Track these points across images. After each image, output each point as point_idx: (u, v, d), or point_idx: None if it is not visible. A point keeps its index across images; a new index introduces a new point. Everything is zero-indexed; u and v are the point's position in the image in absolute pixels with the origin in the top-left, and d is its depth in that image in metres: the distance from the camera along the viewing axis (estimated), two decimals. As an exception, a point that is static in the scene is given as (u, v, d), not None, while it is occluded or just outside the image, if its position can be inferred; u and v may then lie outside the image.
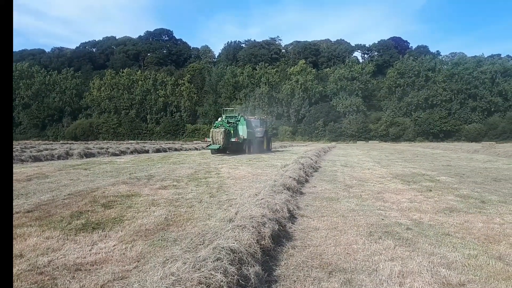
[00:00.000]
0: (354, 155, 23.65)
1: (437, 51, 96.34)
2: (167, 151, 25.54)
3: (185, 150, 27.68)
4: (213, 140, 20.64)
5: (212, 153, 21.17)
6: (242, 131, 22.14)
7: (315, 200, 7.01)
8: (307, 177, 10.14)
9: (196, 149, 30.26)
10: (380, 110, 76.81)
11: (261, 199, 5.48)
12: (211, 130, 20.95)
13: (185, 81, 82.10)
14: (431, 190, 8.22)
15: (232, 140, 21.19)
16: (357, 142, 68.67)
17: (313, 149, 25.05)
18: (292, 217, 5.53)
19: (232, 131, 21.38)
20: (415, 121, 71.29)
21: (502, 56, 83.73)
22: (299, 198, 7.12)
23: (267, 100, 78.44)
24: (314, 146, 38.55)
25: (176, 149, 27.49)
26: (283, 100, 78.21)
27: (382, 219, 5.55)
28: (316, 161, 15.09)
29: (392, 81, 76.08)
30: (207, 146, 21.27)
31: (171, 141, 59.85)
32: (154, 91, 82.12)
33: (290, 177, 8.41)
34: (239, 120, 22.35)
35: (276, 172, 9.88)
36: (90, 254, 3.91)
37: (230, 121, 22.16)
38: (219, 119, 22.66)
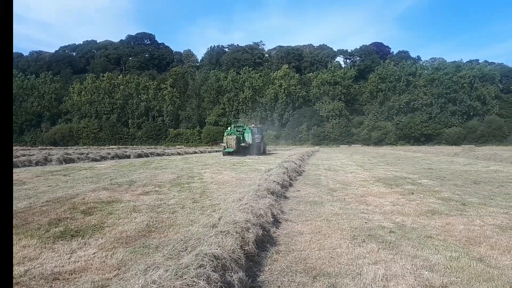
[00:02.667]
0: (337, 159, 23.86)
1: (418, 56, 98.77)
2: (149, 156, 25.26)
3: (167, 155, 27.43)
4: (227, 144, 25.68)
5: (223, 155, 25.75)
6: (248, 137, 27.34)
7: (299, 204, 7.02)
8: (291, 181, 10.15)
9: (179, 153, 30.00)
10: (362, 114, 78.03)
11: (245, 204, 5.45)
12: (225, 137, 26.26)
13: (167, 85, 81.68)
14: (413, 193, 8.33)
15: (242, 144, 26.29)
16: (340, 146, 69.47)
17: (297, 153, 25.19)
18: (276, 222, 5.51)
19: (241, 138, 26.66)
20: (397, 125, 72.64)
21: (480, 61, 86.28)
22: (283, 203, 7.12)
23: (250, 104, 78.77)
24: (298, 150, 38.76)
25: (158, 154, 27.23)
26: (267, 105, 78.63)
27: (366, 222, 5.59)
28: (300, 165, 15.14)
29: (374, 86, 77.36)
30: (224, 150, 25.84)
31: (153, 146, 59.34)
32: (136, 96, 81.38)
33: (274, 181, 8.41)
34: (245, 129, 27.77)
35: (260, 176, 9.86)
36: (69, 263, 3.80)
37: (239, 130, 27.52)
38: (229, 128, 28.09)
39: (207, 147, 61.89)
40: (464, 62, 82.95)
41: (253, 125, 31.84)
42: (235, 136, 25.76)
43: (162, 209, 6.37)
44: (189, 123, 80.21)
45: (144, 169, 14.17)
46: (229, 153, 25.54)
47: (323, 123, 76.08)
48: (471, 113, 72.85)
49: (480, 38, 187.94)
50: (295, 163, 14.51)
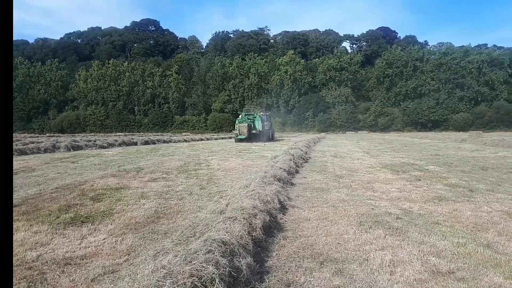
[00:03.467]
0: (343, 145, 23.81)
1: (425, 41, 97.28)
2: (155, 143, 25.38)
3: (174, 142, 27.54)
4: (239, 132, 27.35)
5: (235, 142, 27.41)
6: (258, 125, 28.71)
7: (306, 191, 7.05)
8: (298, 168, 10.17)
9: (186, 141, 30.11)
10: (369, 100, 77.25)
11: (252, 190, 5.47)
12: (236, 124, 28.05)
13: (172, 72, 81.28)
14: (420, 180, 8.32)
15: (253, 132, 27.73)
16: (347, 132, 69.10)
17: (303, 140, 25.17)
18: (283, 208, 5.55)
19: (252, 125, 28.04)
20: (404, 111, 71.95)
21: (488, 46, 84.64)
22: (290, 189, 7.15)
23: (256, 91, 78.27)
24: (304, 137, 38.69)
25: (165, 141, 27.35)
26: (273, 91, 78.09)
27: (372, 208, 5.60)
28: (306, 152, 15.14)
29: (381, 71, 76.36)
30: (236, 137, 27.51)
31: (159, 133, 59.44)
32: (142, 83, 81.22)
33: (281, 168, 8.42)
34: (255, 117, 29.09)
35: (267, 163, 9.89)
36: (80, 248, 3.87)
37: (249, 118, 28.83)
38: (240, 116, 29.59)
39: (213, 133, 62.01)
40: (472, 46, 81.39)
41: (261, 112, 33.54)
42: (246, 124, 27.45)
43: (170, 196, 6.43)
44: (195, 110, 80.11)
45: (151, 156, 14.27)
46: (241, 140, 27.34)
47: (329, 109, 75.57)
48: (479, 99, 71.87)
49: (489, 22, 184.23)
50: (301, 150, 14.50)
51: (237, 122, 28.83)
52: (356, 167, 10.79)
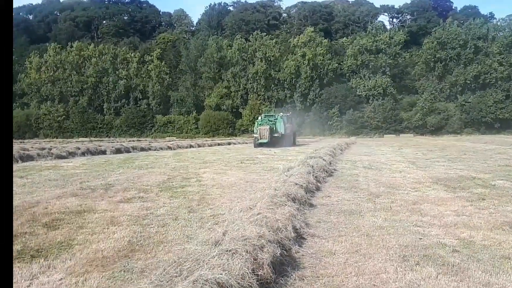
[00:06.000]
0: (380, 153, 23.76)
1: (490, 13, 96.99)
2: (130, 152, 25.48)
3: (154, 150, 27.63)
4: (260, 135, 30.60)
5: (255, 147, 30.82)
6: (280, 127, 32.24)
7: (330, 215, 7.04)
8: (319, 184, 10.16)
9: (170, 148, 30.20)
10: (415, 93, 77.00)
11: (258, 214, 5.46)
12: (256, 127, 31.62)
13: (153, 58, 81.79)
14: (484, 199, 8.26)
15: (275, 135, 31.28)
16: (385, 136, 68.89)
17: (326, 146, 25.11)
18: (299, 238, 5.54)
19: (274, 128, 31.71)
20: (462, 107, 71.55)
21: None
22: (309, 212, 7.16)
23: (263, 81, 78.28)
24: (328, 141, 38.63)
25: (143, 149, 27.45)
26: (285, 82, 78.20)
27: (420, 238, 5.56)
28: (330, 162, 15.10)
29: (431, 54, 76.16)
30: (257, 141, 30.96)
31: (135, 138, 59.69)
32: (113, 71, 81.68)
33: (296, 184, 8.40)
34: (277, 118, 32.92)
35: (277, 177, 9.87)
36: (28, 292, 3.87)
37: (270, 119, 32.84)
38: (259, 117, 34.01)
39: (207, 138, 62.15)
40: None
41: (281, 113, 37.08)
42: (268, 126, 30.86)
43: (149, 221, 6.45)
44: (183, 107, 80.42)
45: (124, 169, 14.31)
46: (260, 145, 30.53)
47: (361, 105, 75.48)
48: None
49: None
50: (323, 159, 14.46)
51: (256, 124, 32.59)
52: (397, 183, 10.74)
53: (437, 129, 70.43)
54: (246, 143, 42.77)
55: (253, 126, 32.61)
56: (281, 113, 36.89)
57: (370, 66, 77.10)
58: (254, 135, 32.29)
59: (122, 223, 6.33)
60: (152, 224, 6.27)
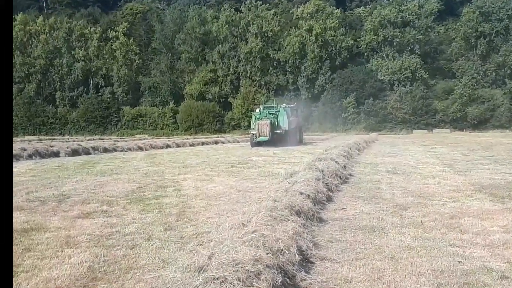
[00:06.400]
0: (409, 154, 23.76)
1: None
2: (91, 153, 25.38)
3: (121, 151, 27.53)
4: (259, 132, 31.14)
5: (252, 146, 31.81)
6: (283, 122, 32.78)
7: (345, 232, 7.03)
8: (330, 193, 10.17)
9: (141, 148, 30.11)
10: (452, 77, 76.95)
11: (253, 231, 5.45)
12: (254, 122, 32.20)
13: (119, 34, 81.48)
14: (539, 211, 8.26)
15: (277, 131, 32.02)
16: (414, 132, 68.85)
17: (339, 144, 25.05)
18: (305, 262, 5.52)
19: (276, 123, 32.33)
20: None
21: None
22: (318, 229, 7.15)
23: (259, 63, 78.03)
24: (341, 139, 38.52)
25: (106, 150, 27.34)
26: (287, 63, 78.04)
27: (459, 261, 5.55)
28: (345, 166, 15.09)
29: (472, 28, 76.15)
30: (255, 139, 31.66)
31: (97, 136, 59.50)
32: (67, 52, 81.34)
33: (302, 193, 8.39)
34: (278, 111, 33.35)
35: (278, 185, 9.85)
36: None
37: (271, 112, 33.27)
38: (257, 110, 34.61)
39: (188, 136, 61.97)
40: None
41: (284, 104, 37.98)
42: (268, 121, 31.51)
43: (114, 242, 6.42)
44: (157, 96, 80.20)
45: (83, 175, 14.25)
46: (259, 143, 31.38)
47: (383, 93, 75.41)
48: None
49: None
50: (336, 161, 14.46)
51: (254, 118, 33.20)
52: (430, 191, 10.73)
53: (480, 123, 70.34)
54: (238, 142, 42.73)
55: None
56: (284, 104, 37.32)
57: (395, 43, 76.91)
58: (252, 132, 32.79)
59: (81, 244, 6.29)
60: (118, 246, 6.23)
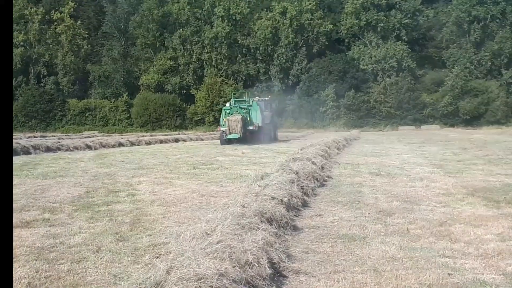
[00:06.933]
0: (394, 153, 23.99)
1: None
2: (31, 153, 25.04)
3: (67, 150, 27.24)
4: (229, 128, 31.94)
5: (222, 144, 32.43)
6: (256, 117, 34.12)
7: (322, 241, 7.04)
8: (306, 198, 10.18)
9: (90, 147, 29.82)
10: (442, 66, 77.77)
11: (218, 242, 5.43)
12: (224, 117, 33.07)
13: (64, 15, 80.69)
14: (538, 217, 8.39)
15: (250, 128, 33.04)
16: (400, 128, 69.50)
17: (316, 143, 25.11)
18: (277, 276, 5.52)
19: (248, 118, 33.29)
20: (508, 87, 72.58)
21: None
22: (292, 239, 7.15)
23: (226, 50, 77.92)
24: (319, 137, 38.70)
25: (49, 149, 27.01)
26: (258, 51, 78.09)
27: (449, 274, 5.58)
28: (322, 166, 15.13)
29: (464, 12, 77.02)
30: (225, 136, 32.35)
31: (39, 133, 58.75)
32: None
33: (273, 198, 8.39)
34: (251, 105, 34.47)
35: (247, 189, 9.84)
36: None
37: (242, 106, 34.29)
38: (227, 104, 35.71)
39: (143, 132, 61.64)
40: None
41: (257, 97, 39.82)
42: (240, 116, 32.31)
43: (58, 255, 6.34)
44: (108, 87, 79.61)
45: (22, 178, 14.03)
46: (229, 141, 32.20)
47: (366, 84, 75.93)
48: None
49: None
50: (313, 162, 14.51)
51: (223, 113, 34.14)
52: (418, 195, 10.82)
53: (474, 118, 71.23)
54: (202, 140, 42.72)
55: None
56: (257, 98, 38.88)
57: (379, 29, 77.56)
58: (222, 128, 33.41)
59: (19, 258, 6.18)
60: (62, 259, 6.14)
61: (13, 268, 5.73)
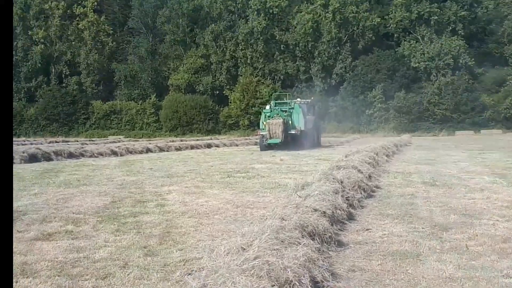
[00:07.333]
0: (450, 160, 23.76)
1: None
2: (52, 159, 25.38)
3: (91, 157, 27.55)
4: (270, 132, 32.67)
5: (262, 149, 33.46)
6: (299, 121, 34.63)
7: (370, 259, 7.00)
8: (352, 210, 10.16)
9: (115, 153, 30.11)
10: (505, 64, 76.86)
11: (255, 258, 5.44)
12: (264, 121, 33.81)
13: (87, 10, 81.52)
14: None
15: (292, 132, 33.67)
16: (457, 133, 68.78)
17: (363, 149, 24.97)
18: (322, 296, 5.49)
19: (290, 122, 34.06)
20: None
21: None
22: (336, 255, 7.12)
23: (262, 46, 77.88)
24: (366, 142, 38.50)
25: (72, 155, 27.35)
26: (297, 47, 77.95)
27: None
28: (370, 175, 15.06)
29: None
30: (265, 141, 33.18)
31: (61, 138, 59.53)
32: (23, 32, 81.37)
33: (316, 209, 8.37)
34: (293, 108, 35.09)
35: (286, 200, 9.84)
36: None
37: (284, 109, 34.89)
38: (267, 106, 36.44)
39: (173, 137, 61.87)
40: None
41: (298, 99, 41.20)
42: (281, 120, 33.01)
43: (82, 270, 6.39)
44: (135, 88, 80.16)
45: (43, 187, 14.23)
46: (269, 146, 33.25)
47: (418, 84, 75.32)
48: None
49: None
50: (359, 170, 14.44)
51: (263, 116, 35.03)
52: (478, 208, 10.68)
53: (541, 123, 70.36)
54: (236, 145, 42.79)
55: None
56: (299, 100, 39.61)
57: (432, 22, 76.83)
58: (261, 133, 34.13)
59: (40, 273, 6.27)
60: (86, 275, 6.19)
61: (34, 285, 5.85)
